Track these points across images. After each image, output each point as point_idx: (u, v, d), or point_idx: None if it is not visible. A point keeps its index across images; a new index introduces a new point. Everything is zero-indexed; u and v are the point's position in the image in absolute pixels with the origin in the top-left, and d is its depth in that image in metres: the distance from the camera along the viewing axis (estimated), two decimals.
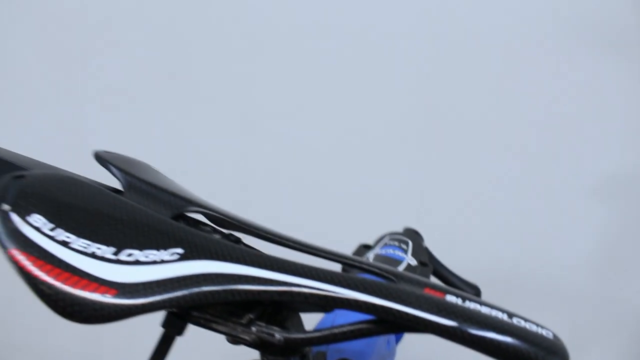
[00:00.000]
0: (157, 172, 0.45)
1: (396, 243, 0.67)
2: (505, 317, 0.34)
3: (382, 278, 0.36)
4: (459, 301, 0.34)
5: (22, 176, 0.36)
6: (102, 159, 0.43)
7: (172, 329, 0.35)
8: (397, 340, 0.58)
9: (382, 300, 0.32)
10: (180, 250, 0.33)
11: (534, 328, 0.34)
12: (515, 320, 0.34)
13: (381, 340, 0.49)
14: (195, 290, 0.32)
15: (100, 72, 1.14)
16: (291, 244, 0.39)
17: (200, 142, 1.12)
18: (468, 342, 0.32)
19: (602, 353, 1.08)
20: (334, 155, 1.07)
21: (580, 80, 0.99)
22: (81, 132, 1.17)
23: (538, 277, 1.04)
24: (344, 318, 0.51)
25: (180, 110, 1.13)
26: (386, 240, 0.68)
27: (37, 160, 0.42)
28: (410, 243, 0.67)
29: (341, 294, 0.33)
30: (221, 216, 0.41)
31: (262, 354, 0.37)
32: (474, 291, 0.70)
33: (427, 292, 0.35)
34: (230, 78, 1.10)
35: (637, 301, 1.03)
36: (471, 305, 0.34)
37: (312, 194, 1.08)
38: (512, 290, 1.01)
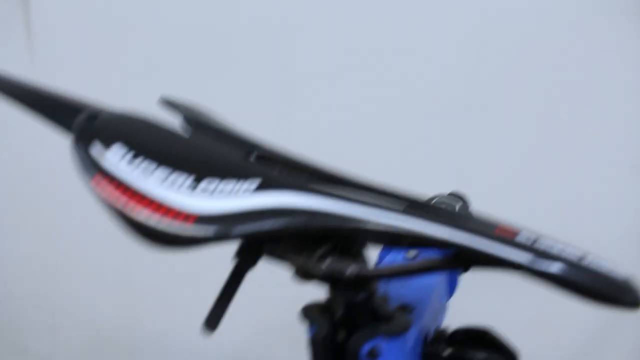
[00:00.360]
0: (219, 116, 0.46)
1: (444, 205, 0.67)
2: (577, 255, 0.34)
3: (453, 215, 0.36)
4: (532, 238, 0.34)
5: (97, 114, 0.37)
6: (169, 102, 0.43)
7: (245, 261, 0.36)
8: (449, 296, 0.58)
9: (455, 234, 0.33)
10: (257, 182, 0.34)
11: (607, 266, 0.34)
12: (589, 259, 0.34)
13: (437, 293, 0.50)
14: (272, 222, 0.32)
15: (141, 42, 1.16)
16: (360, 183, 0.39)
17: (239, 111, 1.13)
18: (542, 277, 0.32)
19: (637, 333, 1.07)
20: (374, 125, 1.07)
21: (621, 52, 0.97)
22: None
23: None
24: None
25: (219, 79, 1.14)
26: (434, 202, 0.68)
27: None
28: (457, 207, 0.67)
29: (414, 231, 0.33)
30: (291, 159, 0.41)
31: (331, 290, 0.38)
32: None
33: (499, 231, 0.35)
34: (271, 48, 1.10)
35: None
36: (545, 242, 0.34)
37: (351, 162, 1.08)
38: None
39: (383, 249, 0.58)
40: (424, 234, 0.33)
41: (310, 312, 0.40)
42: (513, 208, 1.04)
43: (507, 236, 0.34)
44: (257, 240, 0.36)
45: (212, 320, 0.37)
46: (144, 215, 0.32)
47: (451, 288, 0.57)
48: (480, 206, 0.98)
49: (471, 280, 1.03)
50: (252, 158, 0.39)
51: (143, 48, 1.17)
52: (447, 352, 0.43)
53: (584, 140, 1.01)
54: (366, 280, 0.36)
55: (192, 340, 1.30)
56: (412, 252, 0.55)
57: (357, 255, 0.38)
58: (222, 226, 0.32)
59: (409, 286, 0.48)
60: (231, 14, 1.12)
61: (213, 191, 0.33)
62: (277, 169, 0.40)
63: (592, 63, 0.99)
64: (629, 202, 1.00)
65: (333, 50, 1.08)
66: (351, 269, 0.35)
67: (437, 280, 0.51)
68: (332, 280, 0.36)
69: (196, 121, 0.42)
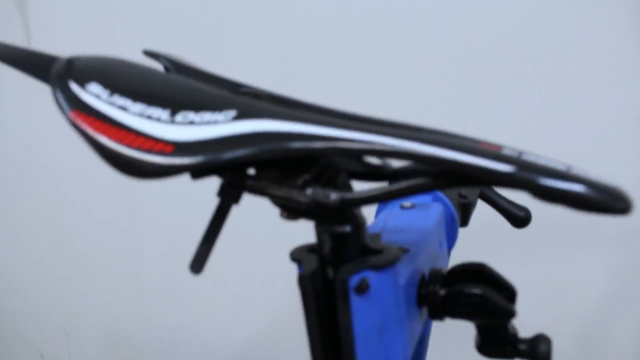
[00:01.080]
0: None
1: None
2: (563, 167, 0.33)
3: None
4: (515, 152, 0.33)
5: (76, 58, 0.37)
6: (151, 52, 0.43)
7: (228, 198, 0.36)
8: (450, 246, 0.57)
9: (439, 149, 0.32)
10: (234, 112, 0.34)
11: (594, 176, 0.33)
12: (575, 169, 0.33)
13: (434, 238, 0.49)
14: (252, 148, 0.32)
15: (132, 23, 1.17)
16: (349, 114, 0.38)
17: None
18: (526, 187, 0.31)
19: None
20: (377, 95, 1.07)
21: (619, 16, 0.96)
22: None
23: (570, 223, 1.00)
24: (393, 217, 0.51)
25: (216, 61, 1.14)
26: None
27: None
28: None
29: (395, 145, 0.32)
30: (275, 96, 0.41)
31: (318, 225, 0.37)
32: (524, 213, 0.68)
33: (484, 146, 0.34)
34: (266, 25, 1.10)
35: None
36: (528, 156, 0.33)
37: None
38: (550, 226, 0.99)
39: (379, 204, 0.57)
40: (406, 149, 0.32)
41: (298, 253, 0.39)
42: None
43: (492, 149, 0.33)
44: (235, 176, 0.35)
45: (198, 261, 0.36)
46: (122, 145, 0.31)
47: (451, 238, 0.57)
48: None
49: (481, 247, 1.02)
50: (235, 94, 0.39)
51: (138, 44, 1.17)
52: (443, 291, 0.42)
53: (584, 99, 0.99)
54: (352, 206, 0.35)
55: (202, 335, 1.30)
56: (407, 203, 0.55)
57: (342, 185, 0.37)
58: (199, 153, 0.31)
59: (404, 231, 0.48)
60: (225, 8, 1.12)
61: (190, 122, 0.33)
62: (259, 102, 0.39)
63: (588, 26, 0.98)
64: (630, 160, 0.99)
65: (327, 42, 1.07)
66: (335, 195, 0.34)
67: (434, 225, 0.50)
68: (317, 210, 0.35)
69: (178, 66, 0.42)
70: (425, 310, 0.42)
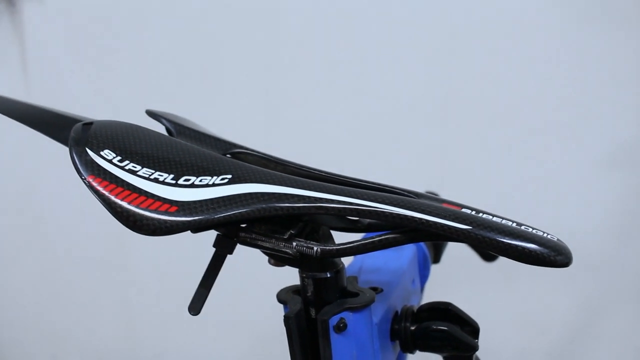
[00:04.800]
0: (200, 125, 0.51)
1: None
2: (514, 225, 0.39)
3: (405, 196, 0.41)
4: (473, 212, 0.39)
5: (91, 123, 0.42)
6: (154, 113, 0.49)
7: (223, 248, 0.41)
8: (423, 283, 0.62)
9: (405, 210, 0.37)
10: (229, 176, 0.39)
11: (539, 233, 0.38)
12: (523, 227, 0.38)
13: (407, 277, 0.54)
14: (246, 208, 0.37)
15: (126, 65, 1.22)
16: (326, 175, 0.44)
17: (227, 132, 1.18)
18: (482, 244, 0.37)
19: (615, 321, 1.11)
20: (358, 137, 1.13)
21: (591, 50, 1.03)
22: None
23: None
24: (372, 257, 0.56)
25: (208, 103, 1.19)
26: None
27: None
28: None
29: (369, 206, 0.38)
30: (263, 155, 0.46)
31: (301, 271, 0.42)
32: None
33: (445, 205, 0.40)
34: (254, 69, 1.16)
35: None
36: (484, 215, 0.39)
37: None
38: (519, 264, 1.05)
39: None
40: (380, 210, 0.37)
41: (284, 294, 0.44)
42: (489, 202, 1.10)
43: (453, 208, 0.39)
44: (230, 229, 0.40)
45: (196, 304, 0.41)
46: (133, 206, 0.36)
47: (423, 275, 0.62)
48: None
49: (459, 275, 1.07)
50: (227, 156, 0.44)
51: (132, 73, 1.22)
52: (413, 327, 0.47)
53: (559, 135, 1.06)
54: (331, 257, 0.40)
55: (190, 358, 1.33)
56: None
57: (323, 237, 0.42)
58: (199, 212, 0.37)
59: (379, 271, 0.53)
60: (218, 32, 1.17)
61: (192, 185, 0.38)
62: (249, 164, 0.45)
63: (562, 60, 1.04)
64: (603, 194, 1.05)
65: (317, 61, 1.13)
66: (316, 248, 0.39)
67: (406, 265, 0.55)
68: (301, 260, 0.40)
69: (178, 127, 0.47)
70: (397, 344, 0.47)
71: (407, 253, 0.58)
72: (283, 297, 0.44)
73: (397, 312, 0.48)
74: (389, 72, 1.10)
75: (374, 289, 0.49)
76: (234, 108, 1.17)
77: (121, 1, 1.20)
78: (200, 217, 0.36)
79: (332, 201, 0.38)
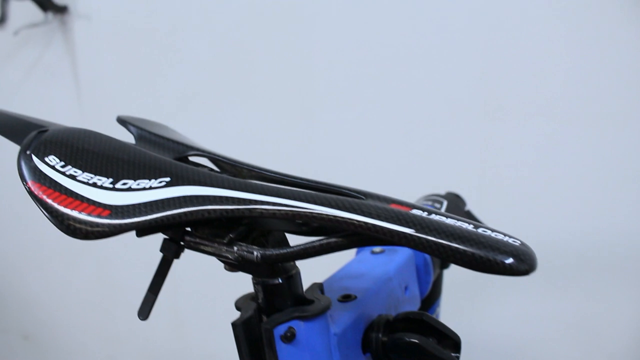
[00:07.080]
0: (170, 129, 0.51)
1: (430, 202, 0.68)
2: (470, 227, 0.34)
3: (351, 197, 0.38)
4: (423, 214, 0.35)
5: (46, 130, 0.42)
6: (122, 120, 0.49)
7: (169, 253, 0.40)
8: (424, 289, 0.58)
9: (344, 212, 0.34)
10: (167, 179, 0.38)
11: (499, 237, 0.34)
12: (480, 230, 0.34)
13: (394, 283, 0.51)
14: (176, 210, 0.36)
15: (170, 77, 1.25)
16: (275, 176, 0.42)
17: (264, 135, 1.19)
18: (426, 248, 0.33)
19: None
20: (396, 136, 1.09)
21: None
22: None
23: (602, 253, 0.97)
24: (364, 263, 0.53)
25: (244, 107, 1.20)
26: (422, 199, 0.69)
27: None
28: (445, 203, 0.68)
29: (307, 208, 0.35)
30: (220, 158, 0.45)
31: (253, 277, 0.40)
32: None
33: (392, 206, 0.36)
34: (289, 72, 1.15)
35: None
36: (435, 217, 0.35)
37: (376, 176, 1.10)
38: (571, 266, 0.97)
39: (358, 248, 0.59)
40: (316, 212, 0.34)
41: (242, 301, 0.43)
42: (519, 209, 1.02)
43: (399, 209, 0.35)
44: (174, 233, 0.39)
45: (145, 309, 0.40)
46: (68, 210, 0.36)
47: (425, 281, 0.58)
48: (491, 205, 0.97)
49: (468, 282, 1.00)
50: (175, 160, 0.43)
51: (177, 86, 1.26)
52: (385, 338, 0.43)
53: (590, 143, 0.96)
54: (273, 261, 0.38)
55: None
56: (377, 248, 0.57)
57: (275, 241, 0.40)
58: (130, 216, 0.36)
59: (358, 278, 0.50)
60: (255, 41, 1.18)
61: (128, 189, 0.37)
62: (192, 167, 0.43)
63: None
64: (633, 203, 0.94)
65: (346, 71, 1.11)
66: (256, 252, 0.37)
67: (394, 271, 0.51)
68: (243, 264, 0.38)
69: (139, 131, 0.47)
70: (370, 356, 0.44)
71: (398, 258, 0.54)
72: (240, 303, 0.42)
73: (373, 321, 0.45)
74: (434, 72, 1.05)
75: (347, 297, 0.46)
76: (273, 114, 1.17)
77: (163, 15, 1.23)
78: (131, 221, 0.36)
79: (265, 202, 0.36)
